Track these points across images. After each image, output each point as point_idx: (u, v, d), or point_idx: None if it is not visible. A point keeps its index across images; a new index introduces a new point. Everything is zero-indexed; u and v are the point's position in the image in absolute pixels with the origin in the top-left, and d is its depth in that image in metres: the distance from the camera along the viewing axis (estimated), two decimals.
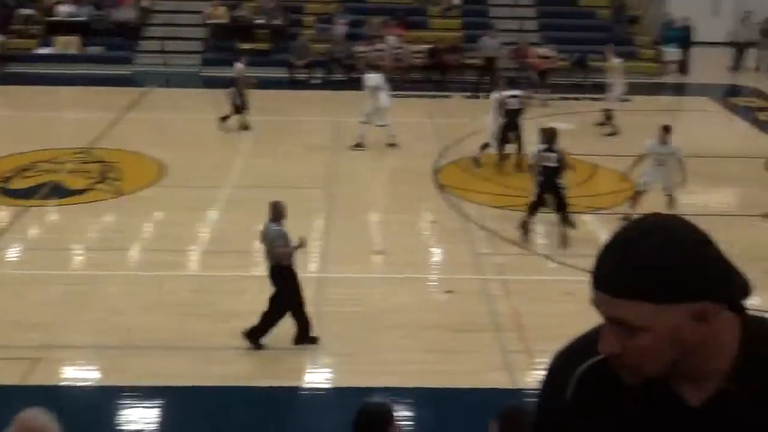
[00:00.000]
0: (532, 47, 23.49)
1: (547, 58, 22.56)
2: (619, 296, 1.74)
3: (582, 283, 8.22)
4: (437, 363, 9.53)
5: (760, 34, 25.94)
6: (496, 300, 11.06)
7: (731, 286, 1.77)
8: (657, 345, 1.75)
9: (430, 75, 23.72)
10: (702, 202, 14.61)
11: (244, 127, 18.36)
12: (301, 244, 9.57)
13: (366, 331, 10.15)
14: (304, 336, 9.64)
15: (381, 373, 9.30)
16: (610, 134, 18.72)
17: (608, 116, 19.08)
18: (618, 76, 19.29)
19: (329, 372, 9.52)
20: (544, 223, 13.23)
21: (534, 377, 9.38)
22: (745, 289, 1.78)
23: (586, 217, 13.82)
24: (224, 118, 18.32)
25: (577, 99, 22.02)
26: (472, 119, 18.69)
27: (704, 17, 27.16)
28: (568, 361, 1.99)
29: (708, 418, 1.82)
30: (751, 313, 1.86)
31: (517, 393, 8.87)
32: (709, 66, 25.67)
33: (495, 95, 16.54)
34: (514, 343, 9.99)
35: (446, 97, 22.22)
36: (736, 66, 26.05)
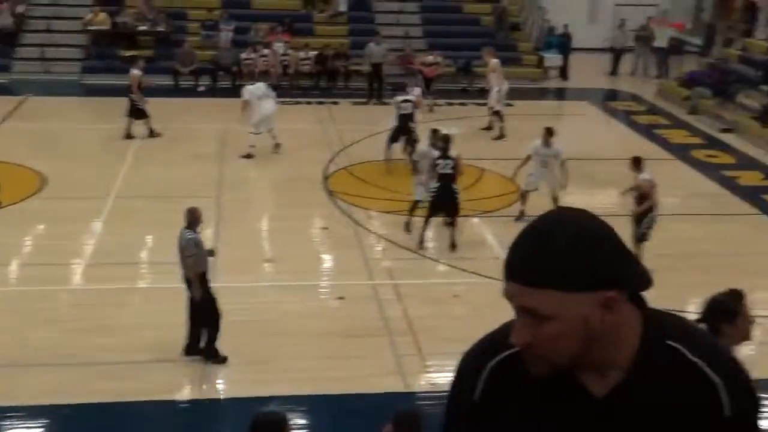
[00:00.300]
0: (416, 53, 23.78)
1: (433, 64, 22.82)
2: (531, 285, 1.79)
3: (470, 285, 8.44)
4: (330, 369, 9.53)
5: (635, 41, 26.94)
6: (387, 304, 11.13)
7: (635, 276, 1.84)
8: (567, 333, 1.80)
9: (318, 82, 23.72)
10: (584, 203, 14.99)
11: (152, 134, 18.08)
12: (211, 253, 9.46)
13: (258, 339, 10.06)
14: (195, 347, 9.48)
15: (275, 381, 9.24)
16: (498, 138, 19.11)
17: (494, 118, 19.45)
18: (497, 76, 19.70)
19: (222, 383, 9.40)
20: (433, 227, 13.38)
21: (426, 380, 9.49)
22: (647, 281, 1.86)
23: (474, 221, 14.07)
24: (150, 131, 18.04)
25: (463, 104, 22.39)
26: (375, 125, 18.75)
27: (581, 24, 28.04)
28: (476, 360, 2.03)
29: (610, 409, 1.87)
30: (651, 308, 1.93)
31: (410, 396, 8.96)
32: (588, 71, 26.51)
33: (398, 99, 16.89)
34: (406, 347, 10.07)
35: (335, 103, 22.25)
36: (614, 71, 26.98)
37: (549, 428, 1.91)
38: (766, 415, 2.15)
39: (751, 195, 15.88)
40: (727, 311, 4.82)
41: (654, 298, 1.96)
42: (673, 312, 2.01)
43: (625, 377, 1.87)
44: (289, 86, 23.08)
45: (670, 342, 1.88)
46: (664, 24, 26.61)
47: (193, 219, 9.28)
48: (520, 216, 13.50)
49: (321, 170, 16.39)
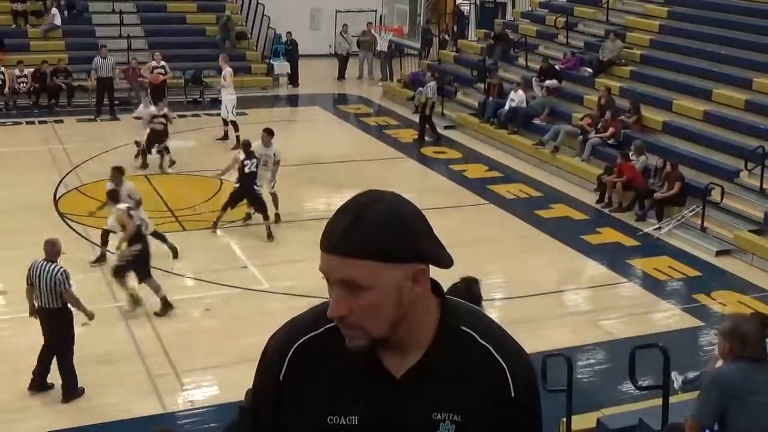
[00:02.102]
0: (143, 64, 23.11)
1: (156, 68, 21.87)
2: (350, 256, 1.86)
3: (219, 297, 8.33)
4: (83, 400, 9.07)
5: (358, 46, 27.80)
6: (135, 326, 10.76)
7: (441, 254, 1.96)
8: (383, 303, 1.89)
9: (38, 100, 22.38)
10: (323, 207, 15.39)
11: None
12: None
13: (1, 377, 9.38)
14: (73, 388, 9.00)
15: (22, 419, 8.64)
16: (235, 147, 19.00)
17: (229, 128, 19.34)
18: (230, 85, 19.59)
19: None
20: (181, 241, 13.09)
21: (184, 398, 9.27)
22: (450, 260, 1.97)
23: (218, 232, 13.92)
24: None
25: (197, 116, 22.05)
26: (105, 141, 18.03)
27: (305, 31, 28.53)
28: (281, 342, 2.06)
29: (406, 389, 1.97)
30: (448, 297, 2.04)
31: (170, 416, 8.72)
32: (316, 77, 27.03)
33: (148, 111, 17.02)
34: (159, 367, 9.79)
35: (59, 121, 21.10)
36: (341, 76, 27.69)
37: (350, 408, 1.97)
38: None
39: (477, 186, 16.92)
40: (474, 297, 5.12)
41: None
42: (467, 303, 2.13)
43: (421, 358, 1.97)
44: (5, 106, 21.63)
45: (463, 327, 2.01)
46: (384, 29, 27.66)
47: (56, 251, 9.08)
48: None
49: (51, 192, 15.51)
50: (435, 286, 2.01)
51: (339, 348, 1.95)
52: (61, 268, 8.93)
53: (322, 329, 2.01)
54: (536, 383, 2.09)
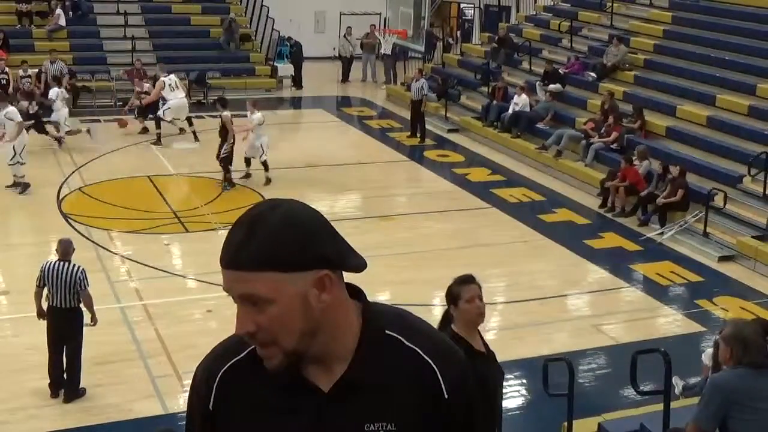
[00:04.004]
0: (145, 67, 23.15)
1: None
2: (248, 269, 1.80)
3: (221, 299, 8.29)
4: (84, 400, 9.07)
5: (362, 48, 27.82)
6: (137, 327, 10.77)
7: (347, 257, 1.89)
8: (288, 314, 1.82)
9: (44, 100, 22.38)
10: (326, 209, 15.39)
11: None
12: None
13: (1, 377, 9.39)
14: (77, 389, 8.99)
15: (20, 420, 8.65)
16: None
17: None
18: (157, 93, 19.33)
19: None
20: (183, 242, 13.12)
21: (185, 399, 9.27)
22: (360, 263, 1.90)
23: (220, 233, 13.92)
24: None
25: (201, 117, 22.03)
26: (108, 143, 18.00)
27: (309, 34, 28.57)
28: (207, 369, 2.03)
29: (335, 403, 1.91)
30: (371, 301, 2.00)
31: (171, 418, 8.73)
32: (320, 79, 27.05)
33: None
34: (161, 368, 9.79)
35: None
36: (345, 78, 27.71)
37: (281, 428, 1.92)
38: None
39: (480, 190, 16.92)
40: (451, 295, 5.11)
41: (401, 294, 2.04)
42: (392, 305, 2.08)
43: (347, 368, 1.91)
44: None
45: (388, 332, 1.95)
46: (388, 32, 27.66)
47: (69, 250, 9.02)
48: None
49: (54, 193, 15.53)
50: (356, 291, 1.96)
51: (263, 369, 1.89)
52: (80, 267, 8.93)
53: (244, 353, 1.96)
54: (470, 381, 2.02)
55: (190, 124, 19.63)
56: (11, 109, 15.67)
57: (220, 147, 15.95)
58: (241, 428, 1.97)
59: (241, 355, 1.97)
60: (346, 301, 1.92)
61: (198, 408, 2.03)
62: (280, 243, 1.79)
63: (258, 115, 16.35)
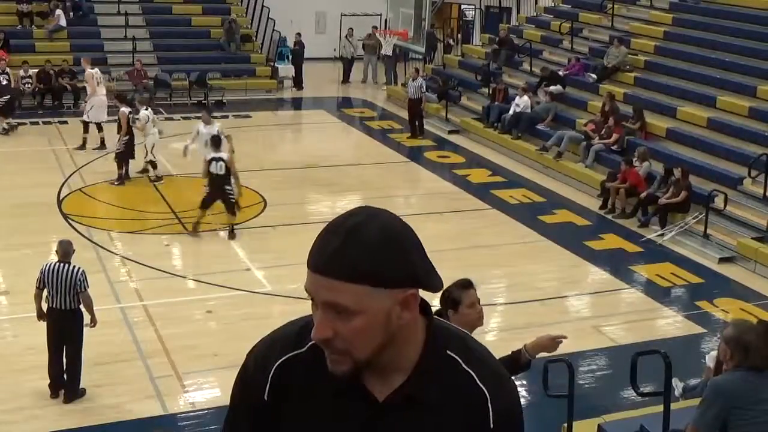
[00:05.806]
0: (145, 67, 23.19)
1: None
2: (340, 278, 1.79)
3: (220, 299, 8.35)
4: (84, 401, 9.07)
5: (363, 49, 27.82)
6: (138, 327, 10.76)
7: (431, 277, 1.89)
8: (370, 328, 1.82)
9: (43, 101, 22.43)
10: (327, 210, 15.40)
11: None
12: None
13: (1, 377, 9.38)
14: (77, 389, 8.98)
15: (20, 420, 8.64)
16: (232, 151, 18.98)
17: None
18: (93, 87, 18.95)
19: None
20: (183, 243, 13.12)
21: (185, 400, 9.27)
22: (440, 282, 1.90)
23: (220, 234, 13.94)
24: None
25: (200, 118, 22.04)
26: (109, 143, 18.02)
27: (310, 35, 28.55)
28: (263, 359, 1.99)
29: (390, 413, 1.91)
30: (436, 318, 1.99)
31: (171, 418, 8.72)
32: (321, 80, 27.06)
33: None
34: (160, 369, 9.79)
35: (63, 123, 21.13)
36: (345, 79, 27.71)
37: (331, 430, 1.93)
38: None
39: (481, 191, 16.91)
40: (451, 300, 5.09)
41: None
42: (454, 326, 2.08)
43: (405, 381, 1.91)
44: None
45: (449, 351, 1.95)
46: (389, 33, 27.67)
47: (69, 251, 9.02)
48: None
49: (54, 193, 15.53)
50: (423, 305, 1.95)
51: (322, 367, 1.89)
52: (80, 268, 8.93)
53: (306, 347, 1.95)
54: (517, 411, 2.03)
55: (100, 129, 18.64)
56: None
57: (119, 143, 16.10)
58: (293, 424, 1.96)
59: (303, 350, 1.95)
60: (418, 317, 1.92)
61: (249, 398, 2.00)
62: (376, 259, 1.78)
63: (143, 113, 16.33)
